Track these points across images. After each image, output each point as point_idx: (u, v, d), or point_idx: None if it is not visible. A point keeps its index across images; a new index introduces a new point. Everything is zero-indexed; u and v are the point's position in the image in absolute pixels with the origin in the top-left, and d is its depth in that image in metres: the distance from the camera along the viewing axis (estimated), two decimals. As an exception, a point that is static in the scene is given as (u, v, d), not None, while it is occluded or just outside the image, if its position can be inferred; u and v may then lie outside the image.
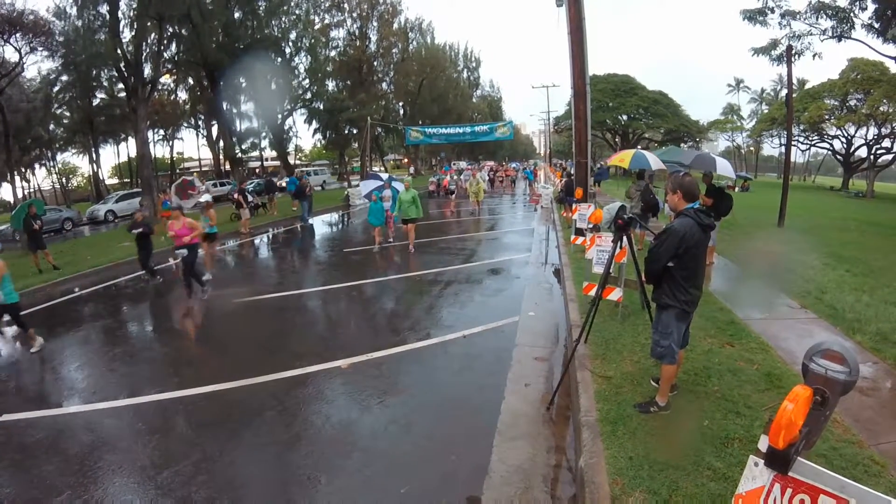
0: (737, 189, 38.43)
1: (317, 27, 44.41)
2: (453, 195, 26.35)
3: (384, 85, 57.76)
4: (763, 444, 1.89)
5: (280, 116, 44.86)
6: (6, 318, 7.80)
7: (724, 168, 10.59)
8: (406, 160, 74.20)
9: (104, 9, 24.96)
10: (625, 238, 5.88)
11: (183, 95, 50.94)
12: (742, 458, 3.68)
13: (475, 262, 12.70)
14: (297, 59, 41.19)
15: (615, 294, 7.01)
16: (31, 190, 52.06)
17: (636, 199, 11.92)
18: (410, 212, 14.04)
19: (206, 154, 61.26)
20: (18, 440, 5.30)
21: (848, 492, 1.70)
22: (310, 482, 4.32)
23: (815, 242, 13.65)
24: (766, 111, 65.93)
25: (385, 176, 18.08)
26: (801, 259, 11.11)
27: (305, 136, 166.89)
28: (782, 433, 1.74)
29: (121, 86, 33.14)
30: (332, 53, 49.77)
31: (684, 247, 4.18)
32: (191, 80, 42.76)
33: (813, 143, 53.59)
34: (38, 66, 56.54)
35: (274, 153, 54.92)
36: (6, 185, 44.39)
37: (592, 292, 6.46)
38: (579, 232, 11.39)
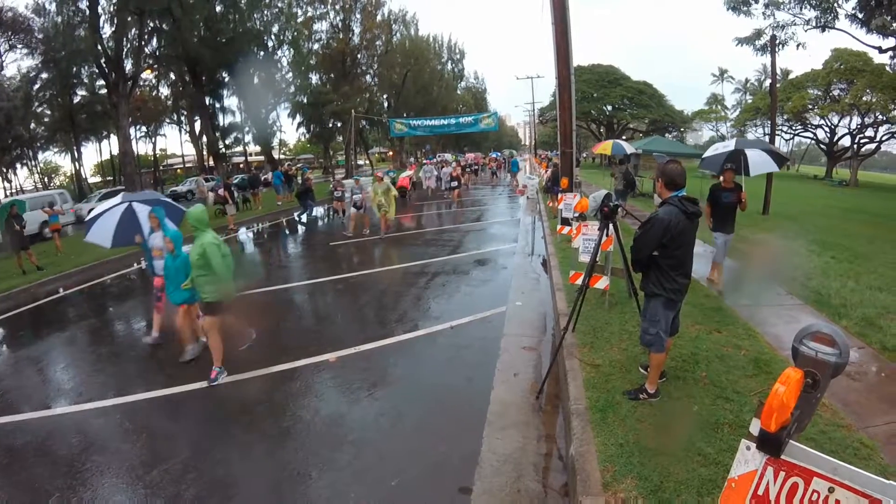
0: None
1: (299, 20, 44.00)
2: (361, 209, 16.84)
3: (368, 77, 57.31)
4: (755, 427, 1.88)
5: (263, 111, 44.49)
6: None
7: (758, 166, 8.87)
8: (391, 153, 73.87)
9: (84, 4, 24.72)
10: (611, 226, 5.87)
11: (165, 91, 50.39)
12: (732, 443, 3.69)
13: (461, 254, 12.67)
14: (279, 52, 40.92)
15: (602, 282, 7.02)
16: (13, 190, 51.35)
17: (619, 179, 16.32)
18: (202, 284, 6.21)
19: (190, 150, 60.76)
20: (5, 443, 5.21)
21: (841, 474, 1.69)
22: (300, 477, 4.28)
23: (799, 230, 13.77)
24: (749, 101, 66.24)
25: (146, 197, 8.52)
26: (786, 246, 11.20)
27: (289, 130, 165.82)
28: (774, 416, 1.72)
29: (102, 82, 32.72)
30: (315, 46, 49.41)
31: (669, 235, 4.16)
32: (172, 76, 42.26)
33: (797, 132, 53.95)
34: (17, 63, 55.70)
35: (258, 148, 54.47)
36: (-13, 186, 43.90)
37: (579, 281, 6.44)
38: (565, 221, 11.42)
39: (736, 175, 8.18)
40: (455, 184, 24.06)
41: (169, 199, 8.59)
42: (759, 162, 8.84)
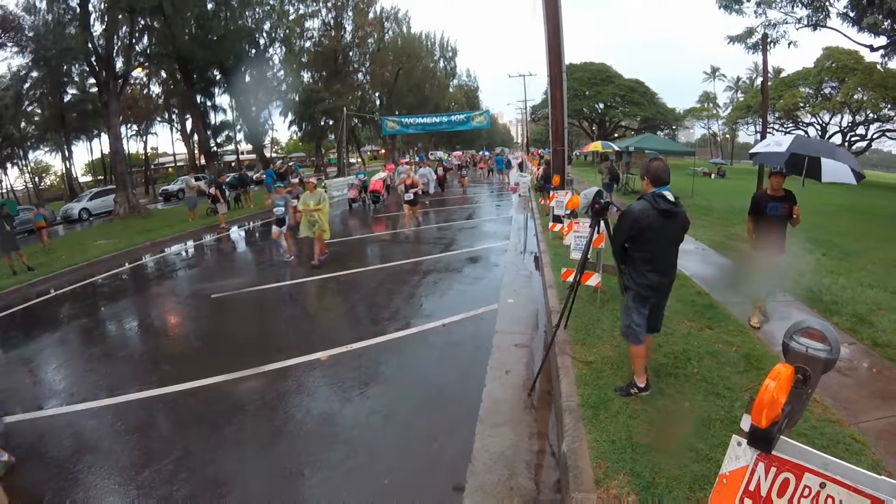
0: (713, 176, 38.96)
1: (291, 17, 43.80)
2: (285, 228, 12.90)
3: (360, 75, 57.03)
4: (745, 423, 1.87)
5: (255, 109, 44.29)
6: None
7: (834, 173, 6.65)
8: (383, 151, 73.57)
9: (74, 2, 24.48)
10: (602, 223, 5.87)
11: (156, 89, 50.08)
12: (724, 439, 3.70)
13: (454, 251, 12.65)
14: (271, 50, 40.71)
15: (593, 279, 7.03)
16: (4, 190, 50.98)
17: (605, 173, 19.91)
18: None
19: (181, 149, 60.54)
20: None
21: (832, 469, 1.68)
22: (292, 476, 4.26)
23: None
24: (741, 99, 66.61)
25: None
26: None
27: (281, 128, 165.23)
28: (765, 412, 1.72)
29: (92, 81, 32.46)
30: (307, 44, 49.17)
31: (637, 227, 4.21)
32: (164, 74, 42.02)
33: (788, 130, 54.27)
34: (7, 62, 55.33)
35: (249, 146, 54.24)
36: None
37: (571, 278, 6.46)
38: (557, 219, 11.40)
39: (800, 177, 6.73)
40: (410, 196, 15.70)
41: None
42: (838, 170, 6.64)
